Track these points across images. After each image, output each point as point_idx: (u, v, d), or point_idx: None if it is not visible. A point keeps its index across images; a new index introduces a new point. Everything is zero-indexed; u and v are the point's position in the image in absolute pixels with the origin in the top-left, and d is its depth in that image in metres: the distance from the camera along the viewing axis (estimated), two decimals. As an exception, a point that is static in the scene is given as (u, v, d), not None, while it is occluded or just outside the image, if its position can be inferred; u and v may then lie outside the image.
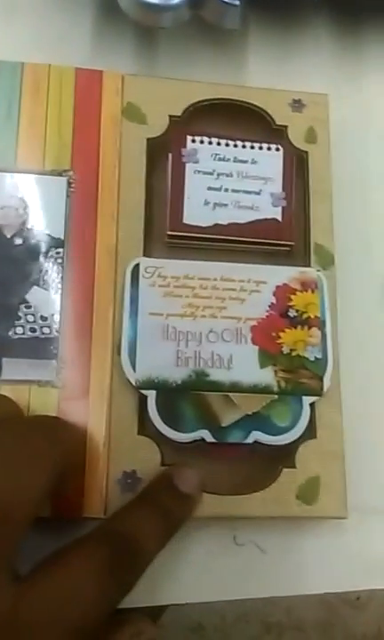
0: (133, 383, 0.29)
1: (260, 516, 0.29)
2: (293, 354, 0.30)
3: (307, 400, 0.30)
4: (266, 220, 0.32)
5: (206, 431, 0.29)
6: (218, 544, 0.31)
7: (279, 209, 0.33)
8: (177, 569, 0.30)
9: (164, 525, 0.26)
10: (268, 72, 0.37)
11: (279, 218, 0.33)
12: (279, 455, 0.30)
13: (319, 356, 0.31)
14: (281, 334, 0.31)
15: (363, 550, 0.32)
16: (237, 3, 0.32)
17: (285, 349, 0.30)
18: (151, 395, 0.29)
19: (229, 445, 0.29)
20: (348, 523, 0.30)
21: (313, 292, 0.32)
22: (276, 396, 0.30)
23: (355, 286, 0.34)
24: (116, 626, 0.27)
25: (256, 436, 0.29)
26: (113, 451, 0.29)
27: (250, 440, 0.29)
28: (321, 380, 0.30)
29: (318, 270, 0.32)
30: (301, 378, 0.30)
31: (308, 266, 0.32)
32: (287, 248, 0.33)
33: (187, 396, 0.29)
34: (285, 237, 0.32)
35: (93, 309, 0.30)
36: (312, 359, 0.30)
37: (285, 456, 0.30)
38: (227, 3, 0.32)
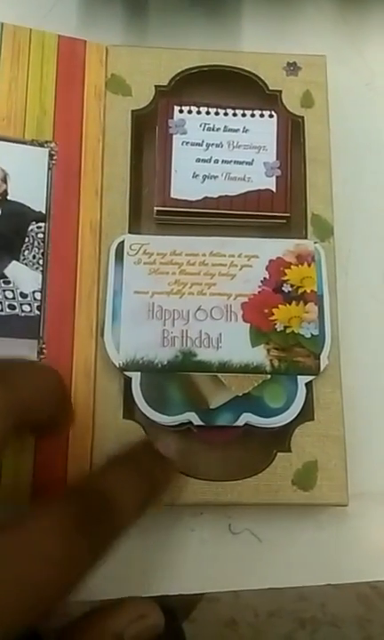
0: (117, 365, 0.28)
1: (253, 503, 0.27)
2: (288, 331, 0.28)
3: (302, 380, 0.28)
4: (259, 191, 0.31)
5: (193, 414, 0.27)
6: (213, 533, 0.29)
7: (273, 179, 0.31)
8: (171, 559, 0.29)
9: (142, 487, 0.24)
10: (263, 36, 0.36)
11: (273, 188, 0.31)
12: (273, 439, 0.28)
13: (315, 333, 0.29)
14: (274, 311, 0.29)
15: (365, 539, 0.29)
16: None
17: (279, 326, 0.29)
18: (135, 377, 0.28)
19: (219, 429, 0.28)
20: (350, 510, 0.28)
21: (309, 265, 0.29)
22: (269, 376, 0.28)
23: (356, 258, 0.32)
24: (114, 609, 0.26)
25: (247, 418, 0.28)
26: (97, 436, 0.27)
27: (240, 423, 0.28)
28: (317, 358, 0.28)
29: (315, 242, 0.30)
30: (296, 356, 0.28)
31: (305, 238, 0.30)
32: (282, 220, 0.31)
33: (173, 378, 0.28)
34: (280, 209, 0.31)
35: (76, 288, 0.29)
36: (308, 336, 0.28)
37: (280, 439, 0.28)
38: None
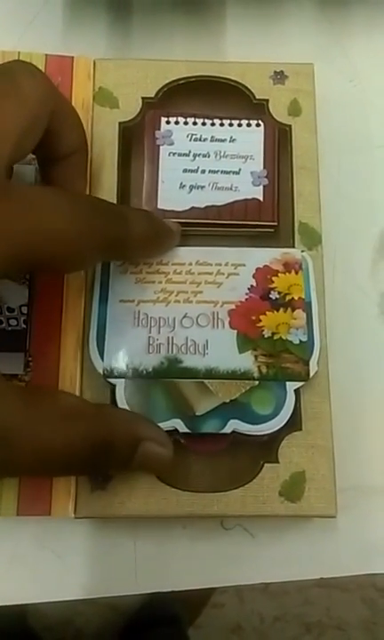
0: (101, 372, 0.28)
1: (240, 514, 0.27)
2: (275, 337, 0.28)
3: (291, 386, 0.28)
4: (246, 200, 0.31)
5: (179, 420, 0.27)
6: (205, 529, 0.29)
7: (260, 188, 0.31)
8: (163, 556, 0.29)
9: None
10: (248, 44, 0.35)
11: (260, 197, 0.31)
12: (261, 449, 0.28)
13: (304, 339, 0.28)
14: (261, 317, 0.28)
15: (357, 533, 0.29)
16: None
17: (267, 333, 0.28)
18: (120, 384, 0.28)
19: (206, 439, 0.27)
20: (341, 505, 0.28)
21: (296, 272, 0.29)
22: (257, 383, 0.28)
23: (344, 266, 0.32)
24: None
25: (234, 425, 0.27)
26: (83, 447, 0.27)
27: (227, 430, 0.27)
28: (307, 364, 0.28)
29: (303, 251, 0.30)
30: (284, 362, 0.28)
31: (293, 247, 0.30)
32: (270, 229, 0.30)
33: (158, 385, 0.28)
34: (267, 218, 0.30)
35: (63, 300, 0.29)
36: (296, 342, 0.28)
37: (267, 450, 0.28)
38: None
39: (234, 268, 0.29)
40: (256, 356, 0.28)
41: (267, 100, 0.32)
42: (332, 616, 0.91)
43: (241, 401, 0.28)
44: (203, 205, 0.30)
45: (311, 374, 0.28)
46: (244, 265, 0.29)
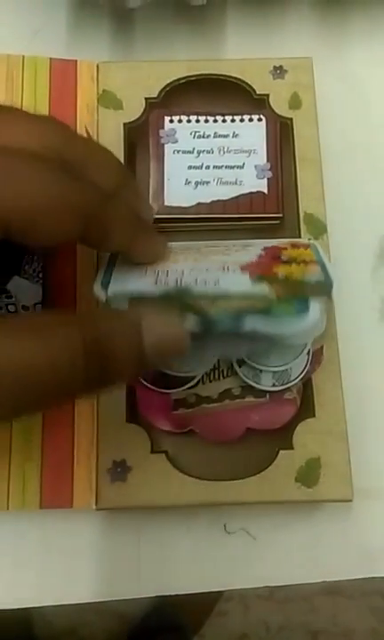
0: (103, 299, 0.25)
1: (257, 501, 0.27)
2: (291, 278, 0.25)
3: (312, 302, 0.24)
4: (251, 193, 0.31)
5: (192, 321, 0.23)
6: (208, 532, 0.29)
7: (264, 181, 0.31)
8: (166, 559, 0.29)
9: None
10: (247, 42, 0.36)
11: (265, 190, 0.31)
12: (275, 436, 0.28)
13: (321, 279, 0.25)
14: (274, 268, 0.26)
15: (359, 535, 0.30)
16: None
17: (281, 276, 0.25)
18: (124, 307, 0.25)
19: (221, 428, 0.28)
20: (346, 507, 0.28)
21: (306, 248, 0.28)
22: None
23: (345, 272, 0.32)
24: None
25: (253, 323, 0.23)
26: (102, 440, 0.28)
27: (247, 328, 0.23)
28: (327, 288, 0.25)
29: (309, 239, 0.30)
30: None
31: (299, 237, 0.31)
32: (276, 221, 0.31)
33: (167, 307, 0.24)
34: (273, 210, 0.31)
35: (76, 299, 0.30)
36: (313, 282, 0.25)
37: (282, 437, 0.28)
38: None
39: (242, 247, 0.29)
40: (272, 284, 0.25)
41: (267, 95, 0.32)
42: (338, 624, 0.91)
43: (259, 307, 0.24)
44: (208, 200, 0.31)
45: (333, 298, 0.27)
46: (252, 246, 0.29)
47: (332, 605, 0.93)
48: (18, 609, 0.29)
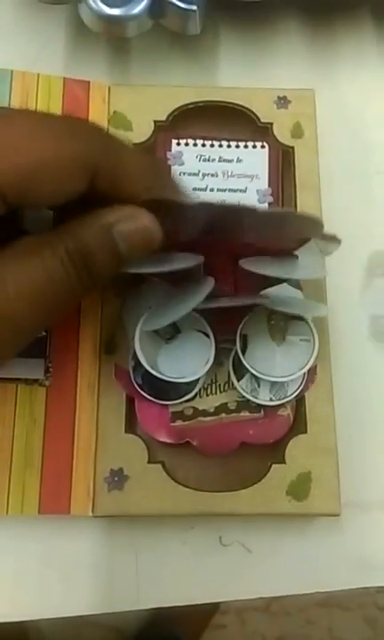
0: None
1: (249, 513, 0.28)
2: None
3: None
4: (252, 216, 0.32)
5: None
6: (203, 545, 0.30)
7: (265, 205, 0.33)
8: (162, 571, 0.30)
9: None
10: (240, 70, 0.38)
11: (266, 214, 0.33)
12: (268, 451, 0.29)
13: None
14: None
15: (352, 547, 0.31)
16: (195, 8, 0.32)
17: None
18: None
19: (217, 442, 0.29)
20: (337, 520, 0.29)
21: None
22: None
23: (334, 289, 0.33)
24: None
25: None
26: (100, 449, 0.29)
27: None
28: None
29: (307, 264, 0.32)
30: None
31: (297, 260, 0.32)
32: (275, 244, 0.32)
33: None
34: (273, 233, 0.32)
35: (81, 308, 0.31)
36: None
37: (275, 451, 0.29)
38: (185, 9, 0.32)
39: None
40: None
41: (271, 124, 0.34)
42: (334, 636, 0.92)
43: None
44: (211, 222, 0.32)
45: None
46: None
47: (328, 617, 0.94)
48: (14, 625, 0.29)
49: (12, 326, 0.22)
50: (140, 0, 0.33)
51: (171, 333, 0.29)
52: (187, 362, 0.29)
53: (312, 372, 0.30)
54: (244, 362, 0.29)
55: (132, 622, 0.89)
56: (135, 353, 0.28)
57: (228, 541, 0.30)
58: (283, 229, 0.25)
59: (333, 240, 0.27)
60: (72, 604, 0.30)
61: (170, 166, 0.31)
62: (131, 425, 0.29)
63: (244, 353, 0.29)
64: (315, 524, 0.31)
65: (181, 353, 0.29)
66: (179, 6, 0.33)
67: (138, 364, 0.29)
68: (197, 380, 0.29)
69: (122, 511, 0.28)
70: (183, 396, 0.29)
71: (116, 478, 0.29)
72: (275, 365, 0.29)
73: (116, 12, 0.33)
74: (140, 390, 0.29)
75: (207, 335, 0.29)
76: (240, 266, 0.26)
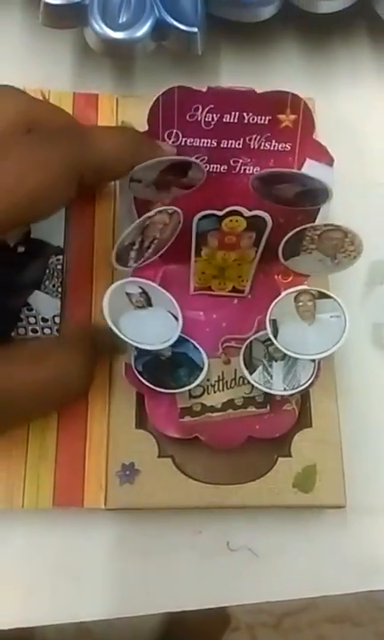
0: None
1: (256, 505, 0.29)
2: None
3: None
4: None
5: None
6: (211, 550, 0.31)
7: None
8: (170, 576, 0.31)
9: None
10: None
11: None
12: (274, 444, 0.30)
13: None
14: None
15: (359, 551, 0.31)
16: (196, 30, 0.34)
17: None
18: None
19: (224, 435, 0.30)
20: (344, 523, 0.30)
21: None
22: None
23: (344, 286, 0.34)
24: None
25: None
26: (112, 444, 0.30)
27: None
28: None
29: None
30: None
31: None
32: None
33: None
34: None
35: (91, 312, 0.32)
36: None
37: (281, 445, 0.30)
38: (186, 32, 0.34)
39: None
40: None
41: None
42: None
43: None
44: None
45: None
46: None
47: (339, 633, 0.93)
48: (20, 634, 0.30)
49: None
50: (143, 23, 0.34)
51: (142, 303, 0.30)
52: (146, 332, 0.29)
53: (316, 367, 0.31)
54: (278, 345, 0.29)
55: (142, 638, 0.88)
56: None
57: (236, 546, 0.31)
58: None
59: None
60: (83, 610, 0.30)
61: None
62: (141, 421, 0.30)
63: (275, 337, 0.29)
64: (322, 528, 0.32)
65: (144, 323, 0.29)
66: (180, 29, 0.34)
67: (140, 354, 0.30)
68: (199, 372, 0.30)
69: (133, 504, 0.29)
70: (182, 387, 0.30)
71: (127, 472, 0.29)
72: (308, 344, 0.29)
73: (119, 35, 0.34)
74: (140, 377, 0.30)
75: (176, 318, 0.30)
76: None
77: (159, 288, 0.30)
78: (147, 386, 0.29)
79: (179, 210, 0.28)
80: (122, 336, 0.28)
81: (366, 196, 0.38)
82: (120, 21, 0.34)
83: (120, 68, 0.40)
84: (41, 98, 0.35)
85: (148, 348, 0.29)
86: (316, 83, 0.41)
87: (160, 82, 0.39)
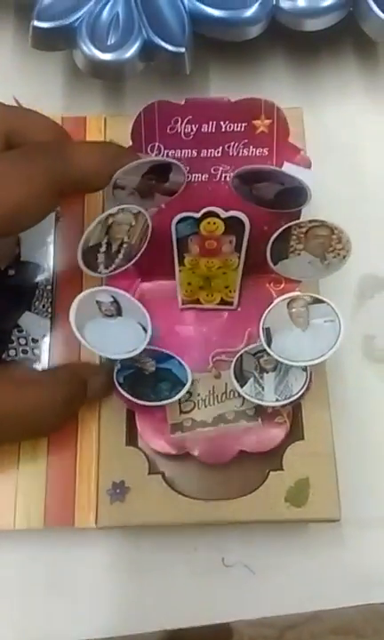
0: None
1: (249, 520, 0.29)
2: None
3: None
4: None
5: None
6: (207, 567, 0.31)
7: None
8: (167, 593, 0.31)
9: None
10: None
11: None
12: (266, 459, 0.30)
13: None
14: None
15: (355, 564, 0.31)
16: (183, 50, 0.34)
17: None
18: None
19: (216, 450, 0.30)
20: (340, 537, 0.30)
21: None
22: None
23: (336, 299, 0.34)
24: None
25: None
26: (102, 462, 0.30)
27: None
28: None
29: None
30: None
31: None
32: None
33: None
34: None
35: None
36: None
37: (273, 459, 0.30)
38: (174, 52, 0.34)
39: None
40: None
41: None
42: None
43: None
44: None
45: None
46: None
47: None
48: None
49: None
50: (131, 45, 0.35)
51: (111, 312, 0.29)
52: (112, 341, 0.29)
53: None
54: (273, 354, 0.29)
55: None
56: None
57: (231, 562, 0.30)
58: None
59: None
60: (80, 628, 0.30)
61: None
62: (131, 438, 0.30)
63: (269, 346, 0.29)
64: (317, 541, 0.31)
65: (110, 332, 0.29)
66: (168, 49, 0.35)
67: (123, 366, 0.30)
68: (181, 387, 0.30)
69: (124, 522, 0.29)
70: (162, 400, 0.29)
71: (117, 490, 0.29)
72: (303, 350, 0.29)
73: (108, 56, 0.35)
74: (120, 389, 0.29)
75: (144, 329, 0.29)
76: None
77: (132, 299, 0.30)
78: (129, 399, 0.29)
79: (144, 210, 0.28)
80: (84, 342, 0.28)
81: (354, 208, 0.38)
82: (108, 43, 0.35)
83: (110, 88, 0.41)
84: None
85: (112, 356, 0.29)
86: (305, 99, 0.41)
87: (150, 101, 0.40)
